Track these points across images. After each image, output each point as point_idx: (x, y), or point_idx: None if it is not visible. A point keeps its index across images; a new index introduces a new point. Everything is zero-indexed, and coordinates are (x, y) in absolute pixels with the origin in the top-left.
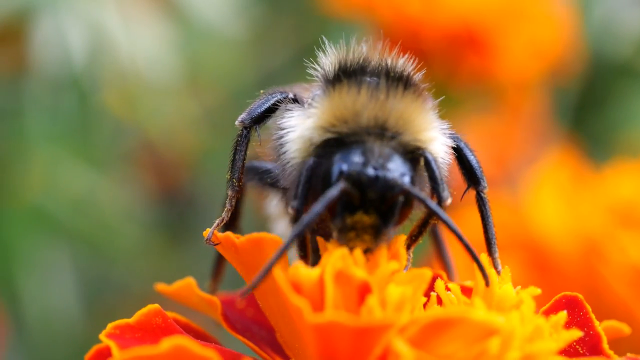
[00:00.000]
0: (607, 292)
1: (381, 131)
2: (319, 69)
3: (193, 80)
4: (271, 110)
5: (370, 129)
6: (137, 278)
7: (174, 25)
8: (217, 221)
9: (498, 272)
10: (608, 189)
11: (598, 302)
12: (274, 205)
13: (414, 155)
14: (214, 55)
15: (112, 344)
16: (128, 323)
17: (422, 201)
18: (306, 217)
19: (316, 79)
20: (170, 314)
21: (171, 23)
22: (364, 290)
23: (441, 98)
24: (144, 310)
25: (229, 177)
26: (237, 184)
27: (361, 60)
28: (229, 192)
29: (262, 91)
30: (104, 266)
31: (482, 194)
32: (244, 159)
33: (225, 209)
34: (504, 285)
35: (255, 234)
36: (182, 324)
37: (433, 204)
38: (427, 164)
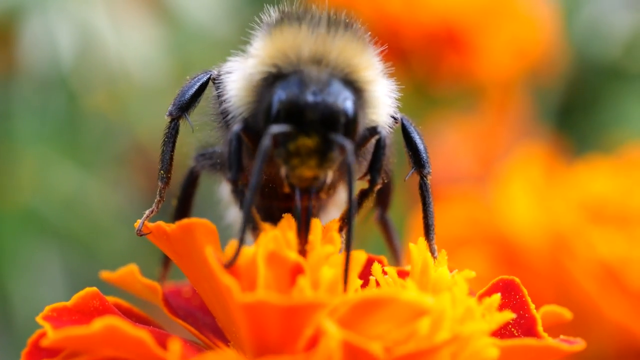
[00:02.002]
0: (574, 287)
1: (320, 63)
2: (263, 20)
3: (183, 81)
4: (197, 95)
5: (309, 61)
6: None
7: (164, 26)
8: (146, 212)
9: (434, 257)
10: (580, 185)
11: (566, 297)
12: (226, 190)
13: (356, 89)
14: (204, 56)
15: (47, 325)
16: (65, 306)
17: (342, 147)
18: (252, 179)
19: (258, 31)
20: (111, 299)
21: (161, 24)
22: (296, 272)
23: (384, 47)
24: (82, 293)
25: (159, 169)
26: (165, 175)
27: (305, 9)
28: (159, 184)
29: (187, 77)
30: (95, 267)
31: (426, 179)
32: (173, 150)
33: (156, 200)
34: (439, 268)
35: (185, 220)
36: (124, 309)
37: (350, 148)
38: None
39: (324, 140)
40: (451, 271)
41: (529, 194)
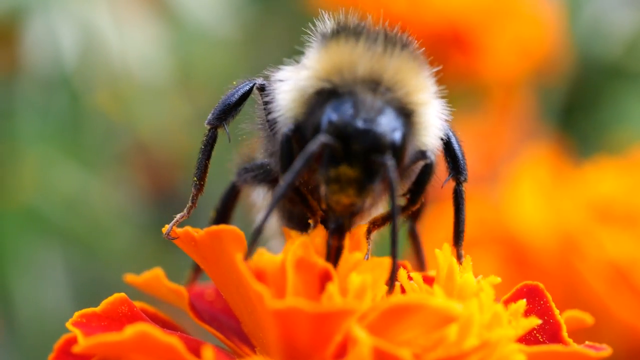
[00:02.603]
0: (584, 288)
1: (375, 85)
2: (316, 32)
3: (185, 80)
4: (238, 104)
5: (365, 81)
6: None
7: (166, 25)
8: (177, 217)
9: (460, 262)
10: (587, 185)
11: (575, 298)
12: (260, 197)
13: (408, 114)
14: (206, 56)
15: (77, 332)
16: (94, 312)
17: (385, 167)
18: (288, 175)
19: (311, 41)
20: (138, 304)
21: (163, 24)
22: (325, 278)
23: (439, 67)
24: (110, 298)
25: (193, 176)
26: (199, 182)
27: (361, 22)
28: (193, 190)
29: (234, 82)
30: (97, 267)
31: (461, 187)
32: (208, 159)
33: (188, 206)
34: (464, 274)
35: (214, 227)
36: (150, 314)
37: (394, 175)
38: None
39: (366, 171)
40: (476, 277)
41: (537, 194)
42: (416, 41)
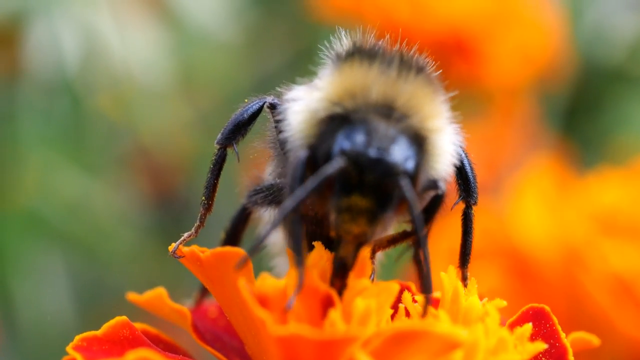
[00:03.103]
0: (587, 300)
1: (389, 111)
2: (332, 51)
3: (187, 84)
4: (248, 124)
5: (378, 106)
6: (131, 282)
7: (168, 29)
8: (184, 235)
9: (465, 284)
10: (592, 196)
11: (579, 310)
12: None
13: (422, 141)
14: (208, 59)
15: (78, 356)
16: (95, 335)
17: (406, 198)
18: (299, 192)
19: (327, 61)
20: (139, 326)
21: (165, 27)
22: (328, 303)
23: (454, 92)
24: (112, 322)
25: (202, 195)
26: (207, 202)
27: (377, 44)
28: (201, 210)
29: (246, 100)
30: (98, 270)
31: (471, 210)
32: (217, 178)
33: (195, 225)
34: (470, 297)
35: (219, 248)
36: (152, 336)
37: (416, 205)
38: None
39: (378, 201)
40: (481, 296)
41: (541, 206)
42: (432, 64)
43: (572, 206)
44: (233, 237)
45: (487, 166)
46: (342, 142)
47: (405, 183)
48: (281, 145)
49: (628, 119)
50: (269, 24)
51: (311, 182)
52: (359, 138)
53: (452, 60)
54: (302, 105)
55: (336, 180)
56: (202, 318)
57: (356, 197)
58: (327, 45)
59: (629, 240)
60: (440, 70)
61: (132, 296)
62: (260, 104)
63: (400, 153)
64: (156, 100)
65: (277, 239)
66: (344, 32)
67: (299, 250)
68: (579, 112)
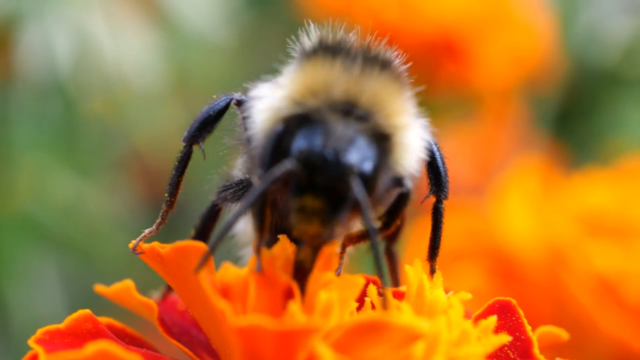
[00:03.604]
0: (571, 301)
1: (351, 109)
2: (299, 46)
3: (181, 87)
4: (214, 121)
5: (339, 105)
6: None
7: (162, 32)
8: (145, 232)
9: (431, 278)
10: (577, 197)
11: (563, 311)
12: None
13: (384, 140)
14: (202, 62)
15: (39, 349)
16: (58, 328)
17: (358, 200)
18: (250, 195)
19: (294, 56)
20: (104, 320)
21: (159, 30)
22: (290, 295)
23: (421, 87)
24: (74, 315)
25: (165, 192)
26: (170, 199)
27: (343, 40)
28: (163, 206)
29: (214, 96)
30: (92, 274)
31: (441, 204)
32: (181, 176)
33: (157, 222)
34: (435, 290)
35: (179, 242)
36: (117, 330)
37: (367, 208)
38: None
39: (331, 203)
40: (447, 292)
41: (526, 206)
42: (399, 58)
43: (557, 207)
44: (202, 234)
45: (479, 169)
46: (299, 142)
47: (356, 184)
48: (247, 143)
49: (622, 121)
50: (263, 27)
51: (261, 184)
52: (316, 139)
53: (441, 62)
54: (266, 103)
55: (291, 180)
56: (170, 311)
57: (309, 198)
58: (294, 40)
59: (614, 241)
60: (408, 64)
61: (99, 288)
62: (227, 101)
63: (356, 154)
64: (150, 103)
65: (247, 229)
66: (312, 26)
67: (261, 232)
68: (572, 114)
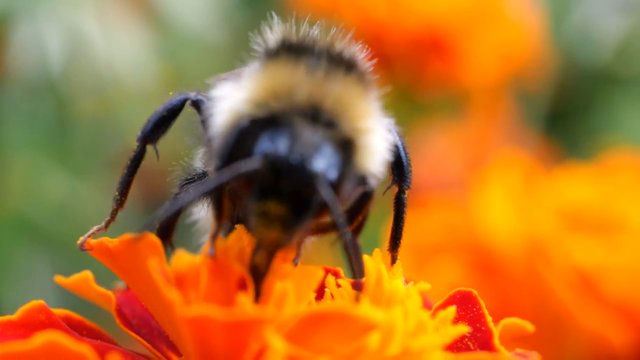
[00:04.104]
0: (551, 296)
1: (315, 113)
2: (262, 43)
3: (174, 86)
4: (166, 121)
5: (303, 109)
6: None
7: (155, 31)
8: (93, 229)
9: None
10: (558, 192)
11: (543, 306)
12: (202, 211)
13: (349, 144)
14: (195, 61)
15: None
16: (11, 319)
17: (325, 206)
18: (212, 181)
19: (257, 53)
20: (60, 312)
21: (152, 29)
22: (243, 286)
23: (389, 89)
24: (27, 306)
25: (115, 191)
26: (120, 198)
27: (306, 40)
28: (113, 205)
29: (170, 93)
30: None
31: (403, 194)
32: (132, 175)
33: (106, 219)
34: (394, 280)
35: (127, 235)
36: (75, 322)
37: (338, 210)
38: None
39: (295, 209)
40: (407, 283)
41: (506, 200)
42: (364, 55)
43: (538, 201)
44: (166, 227)
45: (469, 166)
46: (263, 145)
47: (326, 192)
48: (208, 144)
49: (615, 120)
50: (257, 26)
51: (225, 174)
52: (281, 142)
53: (429, 59)
54: (227, 105)
55: (254, 183)
56: (132, 303)
57: (272, 203)
58: (258, 36)
59: (594, 236)
60: (373, 61)
61: (59, 279)
62: (182, 100)
63: (322, 161)
64: (143, 102)
65: (208, 216)
66: (275, 22)
67: (218, 221)
68: (565, 113)
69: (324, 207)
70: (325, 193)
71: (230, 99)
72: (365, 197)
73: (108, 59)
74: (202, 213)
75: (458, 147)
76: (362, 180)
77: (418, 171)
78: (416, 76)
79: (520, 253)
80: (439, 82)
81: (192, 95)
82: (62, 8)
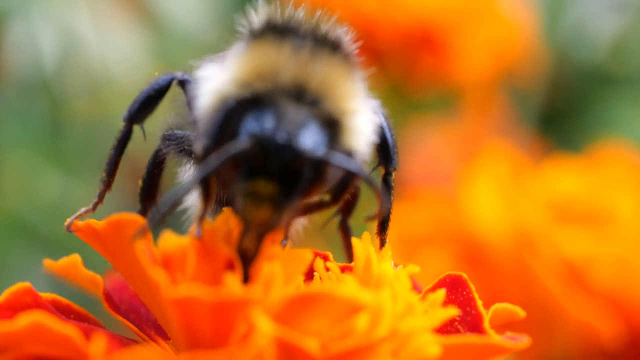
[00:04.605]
0: (539, 287)
1: (300, 93)
2: (247, 24)
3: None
4: (153, 102)
5: (288, 89)
6: None
7: (149, 31)
8: (81, 210)
9: (380, 250)
10: (546, 183)
11: (531, 298)
12: (189, 174)
13: (335, 124)
14: (190, 62)
15: None
16: None
17: (344, 166)
18: (202, 168)
19: (241, 34)
20: (48, 295)
21: (146, 29)
22: (231, 267)
23: (373, 70)
24: (13, 288)
25: (102, 171)
26: (107, 179)
27: (291, 21)
28: (100, 186)
29: (156, 73)
30: None
31: (390, 176)
32: (119, 156)
33: (94, 201)
34: (382, 263)
35: (114, 216)
36: (62, 306)
37: (355, 165)
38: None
39: (284, 187)
40: (396, 266)
41: (495, 192)
42: (349, 37)
43: (527, 193)
44: (150, 184)
45: (460, 162)
46: (249, 125)
47: (314, 167)
48: (193, 125)
49: (609, 119)
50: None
51: (215, 159)
52: (267, 121)
53: (421, 55)
54: (212, 86)
55: (242, 164)
56: (120, 289)
57: (262, 182)
58: (243, 17)
59: (582, 227)
60: (358, 44)
61: (47, 262)
62: (168, 80)
63: (310, 138)
64: None
65: (196, 199)
66: (260, 4)
67: (205, 203)
68: (560, 112)
69: (312, 185)
70: (313, 168)
71: (215, 80)
72: (352, 176)
73: (102, 59)
74: (192, 200)
75: (450, 143)
76: (349, 155)
77: (410, 167)
78: (408, 72)
79: (509, 245)
80: (431, 78)
81: (179, 75)
82: (56, 8)
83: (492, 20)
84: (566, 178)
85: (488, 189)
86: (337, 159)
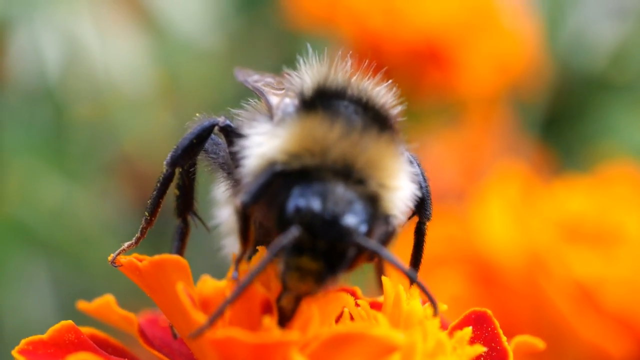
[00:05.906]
0: (550, 307)
1: (347, 172)
2: (297, 80)
3: (170, 92)
4: (197, 145)
5: (337, 166)
6: (115, 290)
7: (151, 37)
8: (125, 245)
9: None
10: (557, 203)
11: (542, 318)
12: (222, 191)
13: (378, 201)
14: (191, 67)
15: None
16: (41, 339)
17: (376, 252)
18: (255, 267)
19: (291, 87)
20: (87, 330)
21: (148, 35)
22: (267, 308)
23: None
24: (57, 326)
25: (145, 211)
26: (150, 218)
27: (341, 85)
28: (143, 223)
29: (197, 115)
30: (82, 278)
31: (424, 225)
32: (161, 197)
33: (136, 236)
34: (411, 301)
35: (157, 256)
36: (100, 340)
37: (385, 252)
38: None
39: (328, 263)
40: (423, 304)
41: (506, 212)
42: (397, 103)
43: (537, 213)
44: (186, 192)
45: (465, 174)
46: (298, 201)
47: (359, 243)
48: (235, 182)
49: (610, 127)
50: (253, 32)
51: (268, 255)
52: (315, 199)
53: (426, 69)
54: (261, 150)
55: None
56: (152, 326)
57: (307, 259)
58: (290, 72)
59: (593, 247)
60: (403, 106)
61: (81, 304)
62: (210, 126)
63: (355, 217)
64: (139, 107)
65: (228, 219)
66: (311, 54)
67: (244, 246)
68: (560, 120)
69: (355, 261)
70: (357, 245)
71: (265, 147)
72: (387, 236)
73: (104, 64)
74: (224, 216)
75: (454, 155)
76: (386, 221)
77: None
78: (413, 86)
79: (520, 265)
80: (436, 92)
81: (221, 121)
82: (59, 15)
83: (496, 34)
84: (575, 197)
85: (499, 209)
86: (376, 232)
